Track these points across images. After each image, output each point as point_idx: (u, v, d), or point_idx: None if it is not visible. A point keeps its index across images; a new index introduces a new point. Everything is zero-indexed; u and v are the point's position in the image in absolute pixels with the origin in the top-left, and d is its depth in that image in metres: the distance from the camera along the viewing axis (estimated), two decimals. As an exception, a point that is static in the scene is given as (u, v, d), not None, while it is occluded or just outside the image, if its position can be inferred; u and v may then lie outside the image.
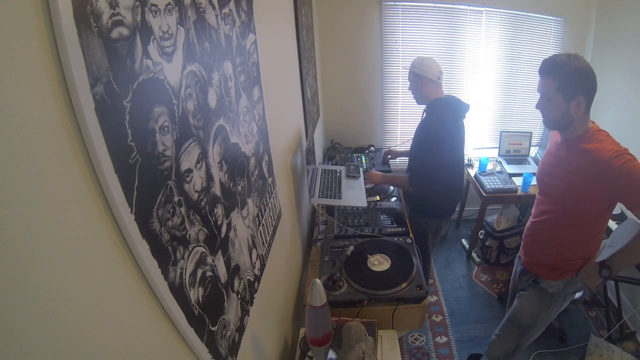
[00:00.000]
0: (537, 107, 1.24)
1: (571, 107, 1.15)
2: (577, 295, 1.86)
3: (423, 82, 1.72)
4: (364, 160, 2.58)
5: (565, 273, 1.35)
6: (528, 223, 1.47)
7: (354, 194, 1.82)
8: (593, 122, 1.22)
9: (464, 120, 1.79)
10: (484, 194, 2.51)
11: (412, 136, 1.87)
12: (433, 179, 1.70)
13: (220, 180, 0.69)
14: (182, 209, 0.54)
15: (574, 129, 1.20)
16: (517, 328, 1.48)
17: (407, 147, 2.02)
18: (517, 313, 1.50)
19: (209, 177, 0.64)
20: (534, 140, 3.01)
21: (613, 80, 2.49)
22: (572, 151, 1.23)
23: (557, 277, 1.37)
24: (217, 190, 0.67)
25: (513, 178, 2.61)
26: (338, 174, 1.99)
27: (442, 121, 1.66)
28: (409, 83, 1.81)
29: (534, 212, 1.43)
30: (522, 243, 1.51)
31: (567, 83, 1.13)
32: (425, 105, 1.79)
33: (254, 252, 0.90)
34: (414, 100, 1.83)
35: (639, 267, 1.96)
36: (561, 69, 1.13)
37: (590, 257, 1.32)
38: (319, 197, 1.72)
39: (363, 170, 2.09)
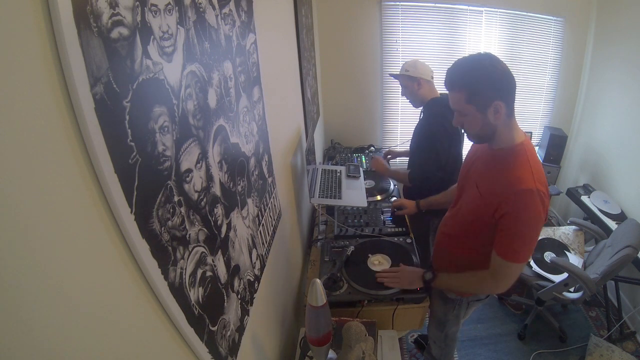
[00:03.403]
0: (455, 125, 1.10)
1: (489, 116, 1.00)
2: (577, 295, 1.86)
3: (420, 84, 1.75)
4: (364, 160, 2.58)
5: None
6: (443, 222, 1.35)
7: (354, 194, 1.82)
8: (525, 134, 1.08)
9: None
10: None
11: (411, 136, 1.88)
12: (432, 177, 1.71)
13: (220, 180, 0.69)
14: (182, 209, 0.54)
15: (499, 139, 1.06)
16: (435, 320, 1.48)
17: (407, 146, 2.03)
18: (432, 305, 1.50)
19: (209, 177, 0.64)
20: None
21: (613, 80, 2.49)
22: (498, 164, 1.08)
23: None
24: (217, 190, 0.67)
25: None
26: (338, 174, 1.99)
27: (441, 121, 1.67)
28: (401, 88, 1.82)
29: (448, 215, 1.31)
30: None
31: (476, 91, 0.99)
32: (422, 107, 1.80)
33: (254, 252, 0.90)
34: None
35: (639, 267, 1.96)
36: (465, 78, 1.00)
37: None
38: (319, 197, 1.72)
39: (371, 156, 2.09)
